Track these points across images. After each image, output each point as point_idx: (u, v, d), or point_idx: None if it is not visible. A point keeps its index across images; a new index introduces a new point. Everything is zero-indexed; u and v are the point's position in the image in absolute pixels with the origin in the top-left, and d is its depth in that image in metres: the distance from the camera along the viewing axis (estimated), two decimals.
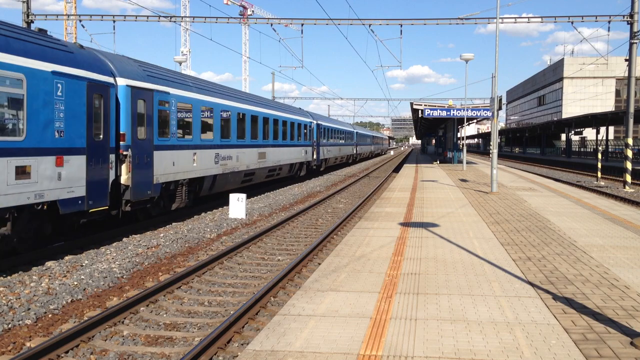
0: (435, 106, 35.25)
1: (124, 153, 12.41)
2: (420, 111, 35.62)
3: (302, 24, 29.21)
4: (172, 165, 14.55)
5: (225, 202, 18.83)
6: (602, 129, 51.52)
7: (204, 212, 17.24)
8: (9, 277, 9.04)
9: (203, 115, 16.90)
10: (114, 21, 28.59)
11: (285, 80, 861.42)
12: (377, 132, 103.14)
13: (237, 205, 16.06)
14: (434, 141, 71.61)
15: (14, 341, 6.48)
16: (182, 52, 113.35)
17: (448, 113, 34.64)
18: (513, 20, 30.14)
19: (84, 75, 11.00)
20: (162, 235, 13.02)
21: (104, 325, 6.93)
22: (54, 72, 10.11)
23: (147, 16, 28.96)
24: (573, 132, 60.55)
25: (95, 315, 7.25)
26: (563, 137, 74.45)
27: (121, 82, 12.48)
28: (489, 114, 28.61)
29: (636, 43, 24.58)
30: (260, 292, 7.90)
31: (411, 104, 37.21)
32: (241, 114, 20.34)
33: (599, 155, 29.45)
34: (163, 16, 28.91)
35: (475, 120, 49.98)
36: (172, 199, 15.33)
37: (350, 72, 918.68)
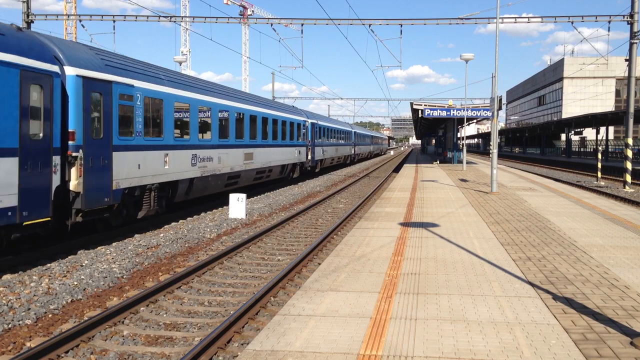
0: (435, 106, 35.26)
1: (74, 154, 10.63)
2: (420, 111, 35.64)
3: (302, 24, 29.22)
4: (137, 168, 12.85)
5: (225, 202, 18.82)
6: (602, 129, 51.52)
7: (203, 212, 17.24)
8: (9, 277, 9.04)
9: (177, 112, 15.22)
10: (114, 21, 28.61)
11: (285, 80, 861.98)
12: (377, 132, 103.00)
13: (237, 205, 16.06)
14: (434, 141, 71.68)
15: (14, 341, 6.49)
16: (182, 52, 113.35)
17: (448, 113, 34.65)
18: (513, 20, 30.14)
19: (16, 62, 9.27)
20: (162, 235, 13.02)
21: (104, 325, 6.93)
22: None
23: (147, 16, 28.98)
24: (573, 132, 60.57)
25: (95, 315, 7.25)
26: (563, 137, 74.46)
27: (70, 71, 10.68)
28: (489, 114, 28.61)
29: (636, 43, 24.58)
30: (260, 292, 7.90)
31: (411, 104, 37.23)
32: (224, 112, 18.70)
33: (599, 155, 29.46)
34: (163, 16, 28.93)
35: (475, 120, 50.01)
36: (139, 206, 13.55)
37: (350, 72, 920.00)
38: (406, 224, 11.69)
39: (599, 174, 29.41)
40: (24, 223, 9.45)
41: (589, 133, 65.61)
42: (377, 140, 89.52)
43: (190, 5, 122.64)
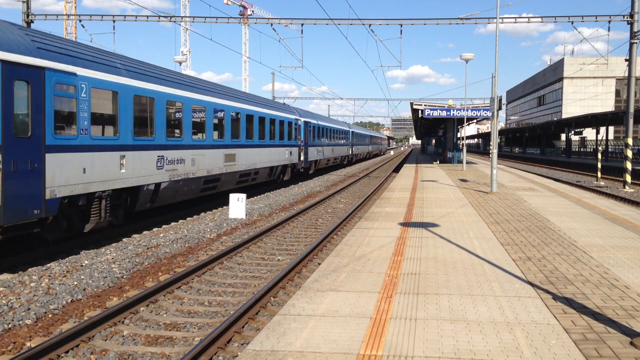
0: (435, 106, 35.26)
1: None
2: (420, 111, 35.64)
3: (302, 24, 29.23)
4: (81, 172, 10.82)
5: (225, 202, 18.82)
6: (602, 129, 51.54)
7: (203, 212, 17.24)
8: (9, 277, 9.04)
9: (138, 107, 13.07)
10: (114, 21, 28.63)
11: (285, 80, 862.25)
12: (376, 132, 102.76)
13: (237, 205, 16.07)
14: (434, 141, 71.69)
15: (14, 341, 6.49)
16: (182, 52, 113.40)
17: (448, 113, 34.65)
18: (513, 20, 30.14)
19: None
20: (162, 235, 13.02)
21: (104, 325, 6.93)
22: None
23: (147, 16, 28.99)
24: (573, 132, 60.57)
25: (95, 315, 7.25)
26: (563, 137, 74.49)
27: None
28: (489, 114, 28.62)
29: (636, 43, 24.58)
30: (260, 292, 7.90)
31: (411, 104, 37.23)
32: (200, 108, 16.65)
33: (599, 155, 29.47)
34: (163, 16, 28.93)
35: (475, 120, 50.00)
36: (86, 218, 11.52)
37: (350, 72, 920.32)
38: (406, 224, 11.69)
39: (599, 174, 29.42)
40: None
41: (589, 133, 65.65)
42: (376, 140, 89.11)
43: (190, 5, 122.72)
